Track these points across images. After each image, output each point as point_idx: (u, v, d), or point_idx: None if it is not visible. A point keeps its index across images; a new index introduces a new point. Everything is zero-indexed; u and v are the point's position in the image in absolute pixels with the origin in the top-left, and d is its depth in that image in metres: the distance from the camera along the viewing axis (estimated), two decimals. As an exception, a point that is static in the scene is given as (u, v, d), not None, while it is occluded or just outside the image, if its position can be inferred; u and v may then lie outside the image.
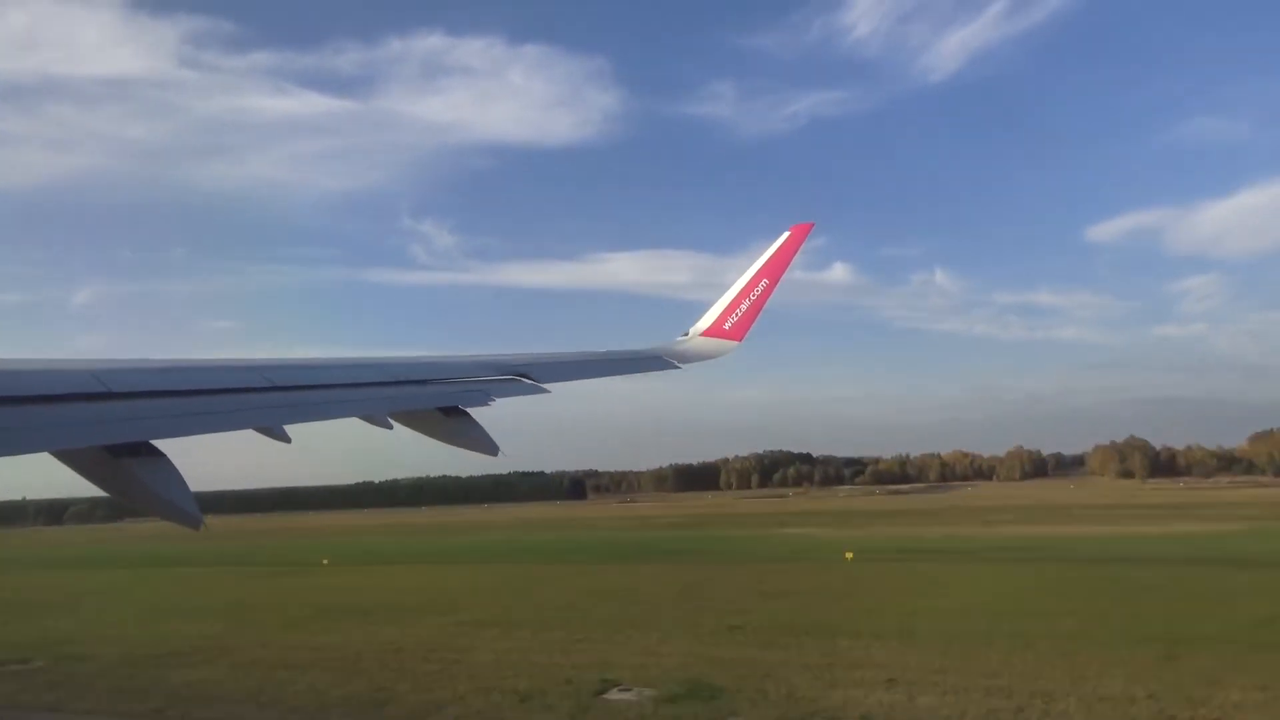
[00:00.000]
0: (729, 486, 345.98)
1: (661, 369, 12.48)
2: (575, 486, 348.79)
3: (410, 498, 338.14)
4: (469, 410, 8.42)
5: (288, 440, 6.98)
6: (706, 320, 14.13)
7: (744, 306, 14.05)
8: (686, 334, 14.02)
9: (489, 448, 8.04)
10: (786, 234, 14.56)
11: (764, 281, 14.20)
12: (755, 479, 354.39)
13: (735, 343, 14.01)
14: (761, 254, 14.51)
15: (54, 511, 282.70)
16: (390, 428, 7.80)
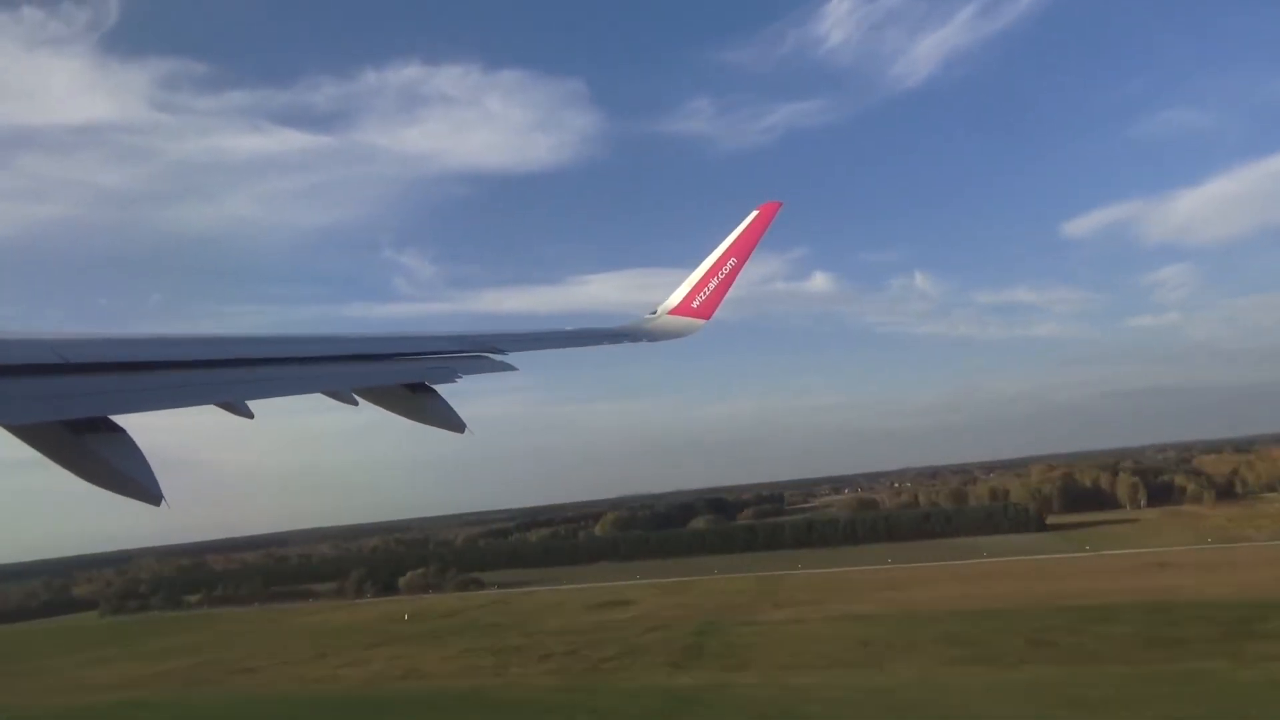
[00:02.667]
0: (1134, 504, 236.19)
1: (631, 341, 12.54)
2: (1038, 517, 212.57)
3: (797, 537, 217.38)
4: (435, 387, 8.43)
5: (250, 416, 6.93)
6: (675, 299, 14.14)
7: (712, 285, 14.08)
8: (654, 312, 14.04)
9: (456, 425, 8.06)
10: (755, 213, 14.59)
11: (732, 260, 14.23)
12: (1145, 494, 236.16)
13: (703, 321, 14.05)
14: (729, 234, 14.57)
15: (381, 578, 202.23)
16: (355, 404, 7.77)
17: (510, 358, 9.48)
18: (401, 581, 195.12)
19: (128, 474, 5.39)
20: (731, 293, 14.33)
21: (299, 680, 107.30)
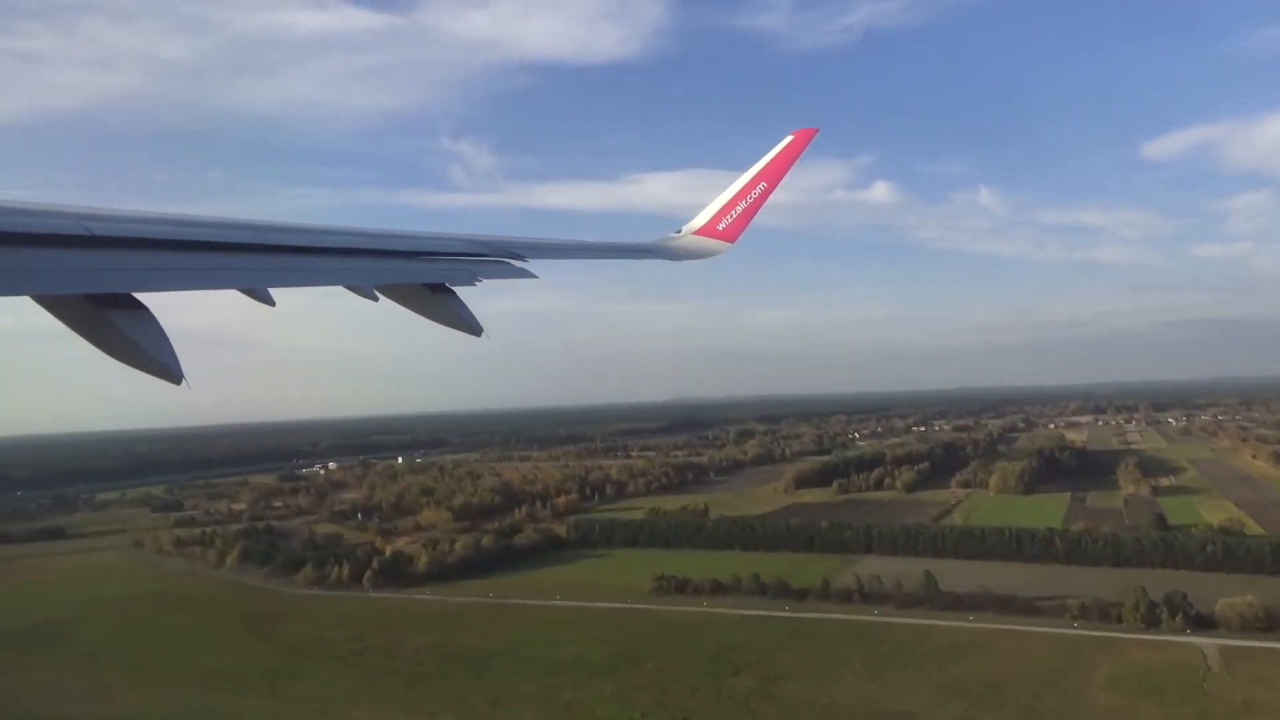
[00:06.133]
0: None
1: (654, 258, 12.47)
2: None
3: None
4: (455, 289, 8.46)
5: (272, 303, 7.00)
6: (701, 219, 13.98)
7: (740, 208, 13.89)
8: (680, 231, 13.90)
9: (473, 328, 8.15)
10: (790, 138, 14.29)
11: (762, 184, 14.00)
12: None
13: (728, 243, 13.92)
14: (764, 157, 14.30)
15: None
16: (376, 300, 7.84)
17: (531, 265, 9.45)
18: (1218, 610, 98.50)
19: (150, 351, 5.48)
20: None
21: None
